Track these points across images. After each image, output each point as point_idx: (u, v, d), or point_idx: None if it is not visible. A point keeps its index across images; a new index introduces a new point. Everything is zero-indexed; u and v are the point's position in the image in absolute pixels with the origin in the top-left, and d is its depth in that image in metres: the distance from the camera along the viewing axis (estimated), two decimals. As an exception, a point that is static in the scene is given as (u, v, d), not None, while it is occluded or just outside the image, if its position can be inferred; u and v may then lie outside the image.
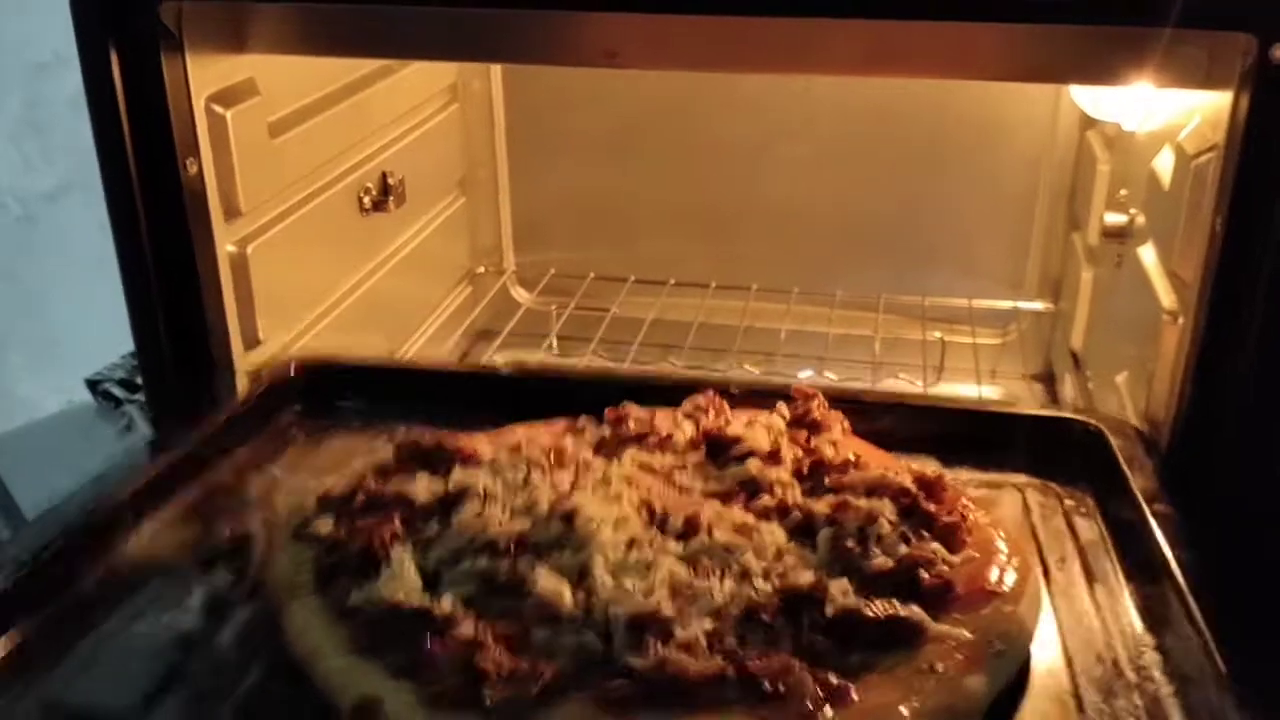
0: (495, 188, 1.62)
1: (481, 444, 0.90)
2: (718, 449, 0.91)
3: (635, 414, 0.95)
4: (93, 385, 1.59)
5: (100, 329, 1.05)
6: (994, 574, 0.75)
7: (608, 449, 0.91)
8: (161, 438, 1.00)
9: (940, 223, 1.49)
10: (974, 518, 0.81)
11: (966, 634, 0.70)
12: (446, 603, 0.70)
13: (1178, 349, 0.90)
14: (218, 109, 1.02)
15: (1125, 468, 0.93)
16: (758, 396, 1.00)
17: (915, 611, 0.70)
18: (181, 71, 0.97)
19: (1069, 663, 0.74)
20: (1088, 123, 1.40)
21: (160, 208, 0.98)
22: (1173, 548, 0.81)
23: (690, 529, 0.78)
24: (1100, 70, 0.93)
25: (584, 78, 1.50)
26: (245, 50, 1.05)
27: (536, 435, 0.94)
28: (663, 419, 0.95)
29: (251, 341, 1.09)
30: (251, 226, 1.09)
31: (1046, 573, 0.84)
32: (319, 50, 1.09)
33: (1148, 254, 1.05)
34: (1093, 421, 1.00)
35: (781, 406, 0.97)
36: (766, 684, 0.64)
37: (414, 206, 1.46)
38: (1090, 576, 0.85)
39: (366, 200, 1.33)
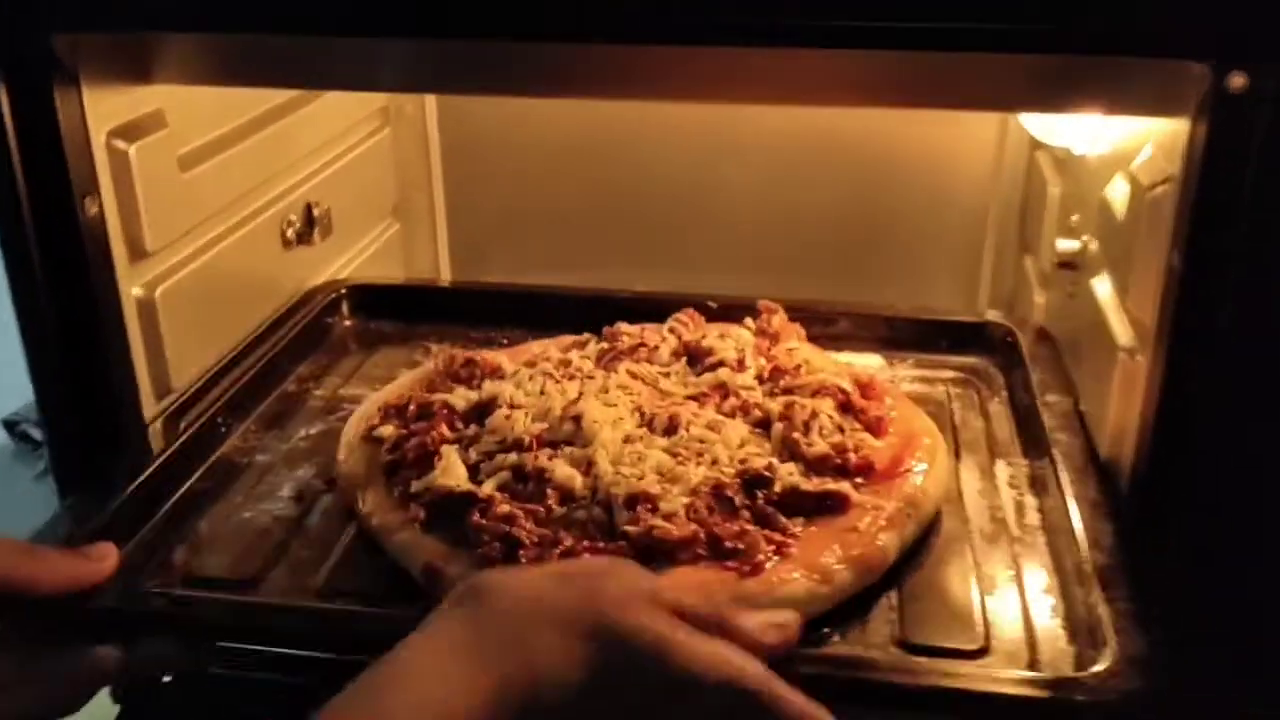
0: (432, 213, 1.56)
1: (503, 359, 1.11)
2: (695, 359, 1.11)
3: (626, 331, 1.16)
4: (9, 426, 1.53)
5: (16, 367, 0.95)
6: (909, 456, 0.97)
7: (605, 362, 1.11)
8: (71, 501, 0.97)
9: (891, 240, 1.46)
10: (897, 412, 1.03)
11: (884, 503, 0.91)
12: (487, 488, 0.91)
13: (1135, 388, 0.87)
14: (120, 144, 0.97)
15: (1028, 362, 1.14)
16: (732, 311, 1.21)
17: (843, 486, 0.91)
18: (78, 106, 0.92)
19: (965, 520, 0.96)
20: (1036, 143, 1.33)
21: (58, 252, 0.93)
22: (1053, 430, 1.02)
23: (672, 427, 0.99)
24: (1046, 99, 0.91)
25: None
26: (151, 81, 0.98)
27: (547, 350, 1.14)
28: (650, 334, 1.15)
29: (163, 390, 1.05)
30: (160, 268, 1.04)
31: (958, 451, 1.05)
32: (233, 81, 1.04)
33: (1102, 286, 1.00)
34: (1006, 324, 1.21)
35: (749, 321, 1.17)
36: (728, 543, 0.85)
37: (343, 236, 1.38)
38: (993, 453, 1.06)
39: (289, 233, 1.27)
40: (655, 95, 1.18)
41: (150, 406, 1.04)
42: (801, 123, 1.41)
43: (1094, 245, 1.07)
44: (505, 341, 1.24)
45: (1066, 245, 1.11)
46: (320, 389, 1.19)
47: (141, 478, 0.97)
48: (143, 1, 0.88)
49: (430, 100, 1.51)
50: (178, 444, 1.03)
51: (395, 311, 1.33)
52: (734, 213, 1.47)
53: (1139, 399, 0.86)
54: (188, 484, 1.01)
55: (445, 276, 1.57)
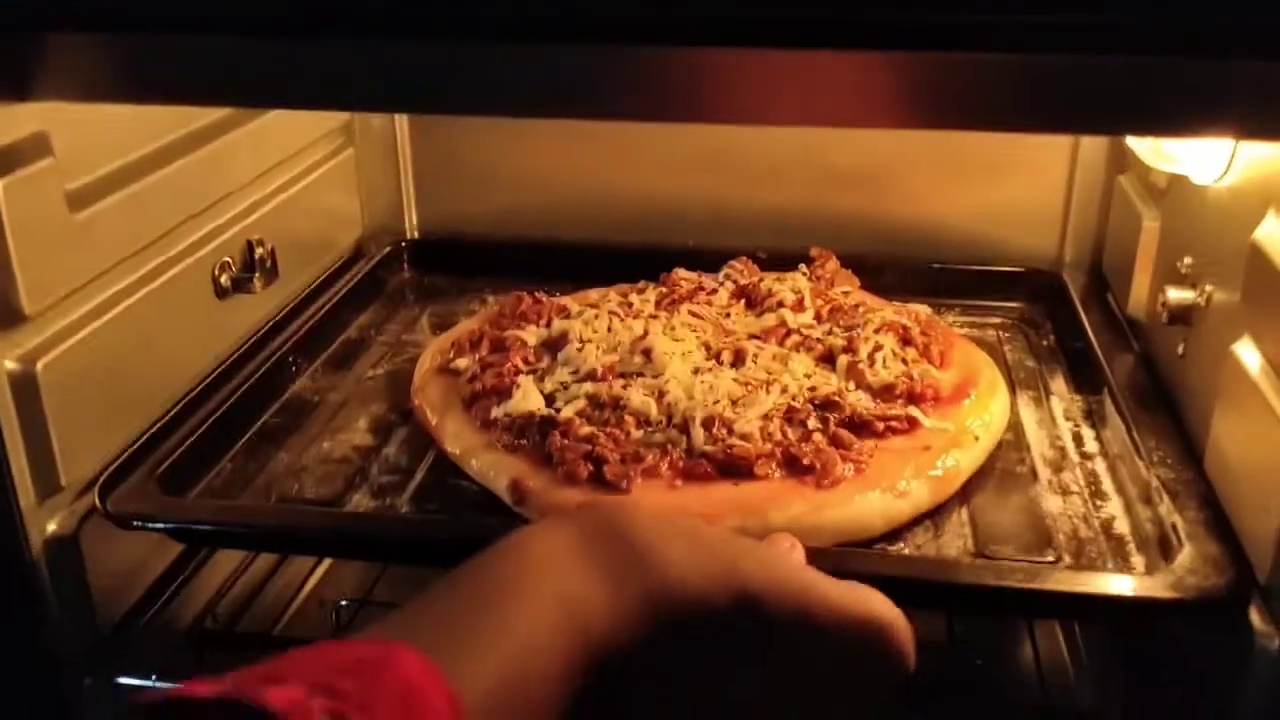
0: (402, 249, 1.36)
1: (568, 301, 1.14)
2: (753, 302, 1.14)
3: (684, 276, 1.19)
4: None
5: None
6: (971, 386, 0.99)
7: (665, 305, 1.14)
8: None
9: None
10: (957, 345, 1.05)
11: (950, 426, 0.94)
12: (567, 412, 0.94)
13: None
14: None
15: (1079, 305, 1.17)
16: (782, 260, 1.23)
17: (912, 410, 0.94)
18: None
19: (1027, 448, 0.98)
20: (1120, 164, 1.21)
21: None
22: (1112, 368, 1.05)
23: (739, 359, 1.02)
24: (1153, 116, 0.67)
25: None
26: (29, 98, 0.75)
27: (607, 294, 1.17)
28: (708, 280, 1.18)
29: (49, 488, 0.84)
30: (42, 335, 0.83)
31: (1014, 388, 1.08)
32: (146, 96, 0.80)
33: (1249, 355, 0.79)
34: (1054, 270, 1.24)
35: (803, 267, 1.20)
36: (805, 459, 0.88)
37: (291, 280, 1.18)
38: (1047, 390, 1.09)
39: (224, 279, 1.05)
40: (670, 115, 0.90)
41: (32, 509, 0.84)
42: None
43: (1221, 297, 0.88)
44: (558, 294, 1.26)
45: (1180, 296, 0.93)
46: (383, 335, 1.22)
47: (219, 411, 0.99)
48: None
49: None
50: (250, 381, 1.05)
51: (450, 265, 1.35)
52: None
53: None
54: (262, 419, 1.03)
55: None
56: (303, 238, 1.21)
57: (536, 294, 1.14)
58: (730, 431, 0.91)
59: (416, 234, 1.41)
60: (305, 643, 0.95)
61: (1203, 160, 0.89)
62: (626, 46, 0.65)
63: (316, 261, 1.27)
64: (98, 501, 0.86)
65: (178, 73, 0.73)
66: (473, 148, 1.37)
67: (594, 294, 1.18)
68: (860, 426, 0.92)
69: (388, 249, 1.35)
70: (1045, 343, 1.18)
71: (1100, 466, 0.96)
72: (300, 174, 1.22)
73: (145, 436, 0.94)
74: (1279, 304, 0.76)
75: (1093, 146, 1.24)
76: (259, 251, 1.11)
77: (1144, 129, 0.86)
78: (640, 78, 0.69)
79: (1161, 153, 0.95)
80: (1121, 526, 0.88)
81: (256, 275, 1.10)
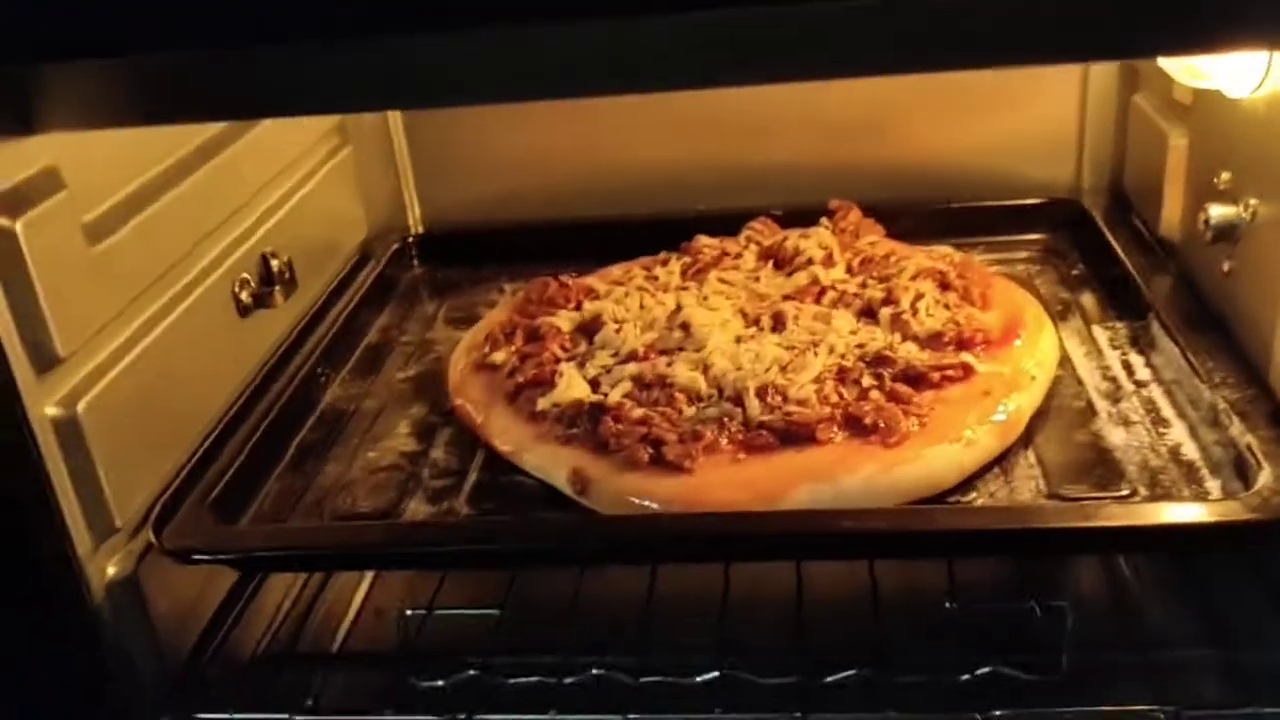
0: (409, 246, 1.34)
1: (594, 281, 1.11)
2: (781, 262, 1.12)
3: (706, 243, 1.17)
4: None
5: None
6: (1019, 325, 0.98)
7: (692, 274, 1.12)
8: None
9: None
10: (996, 285, 1.04)
11: (1005, 369, 0.93)
12: (615, 396, 0.92)
13: None
14: (2, 220, 0.75)
15: (1108, 233, 1.15)
16: (800, 216, 1.21)
17: (965, 357, 0.93)
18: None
19: (1080, 381, 0.97)
20: (1133, 84, 1.19)
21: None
22: (1149, 290, 1.04)
23: (779, 323, 1.01)
24: (1186, 34, 0.65)
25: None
26: (36, 130, 0.74)
27: (630, 270, 1.15)
28: (730, 244, 1.16)
29: (104, 529, 0.82)
30: (78, 376, 0.81)
31: (1056, 322, 1.06)
32: (153, 117, 0.79)
33: None
34: (1074, 199, 1.23)
35: (825, 221, 1.18)
36: (867, 419, 0.86)
37: (305, 289, 1.15)
38: (1088, 320, 1.07)
39: (245, 295, 1.03)
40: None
41: (90, 554, 0.81)
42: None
43: (1267, 211, 0.88)
44: (576, 274, 1.24)
45: (1223, 213, 0.91)
46: (405, 335, 1.20)
47: (258, 433, 0.97)
48: (14, 24, 0.64)
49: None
50: (283, 398, 1.03)
51: (460, 256, 1.32)
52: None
53: None
54: (301, 434, 1.01)
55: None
56: (312, 244, 1.18)
57: (560, 277, 1.11)
58: (785, 399, 0.89)
59: (421, 228, 1.39)
60: (374, 657, 0.95)
61: (1238, 73, 0.88)
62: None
63: (327, 267, 1.24)
64: (154, 539, 0.84)
65: (177, 90, 0.72)
66: (468, 135, 1.35)
67: (617, 270, 1.16)
68: (915, 379, 0.91)
69: (395, 246, 1.33)
70: (1075, 272, 1.16)
71: (1157, 393, 0.95)
72: (302, 179, 1.19)
73: (189, 466, 0.92)
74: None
75: (1103, 68, 1.22)
76: (275, 263, 1.08)
77: (1178, 49, 0.83)
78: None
79: (1195, 69, 0.93)
80: (1190, 452, 0.87)
81: (277, 288, 1.07)
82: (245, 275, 1.05)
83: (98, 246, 0.85)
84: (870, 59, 0.68)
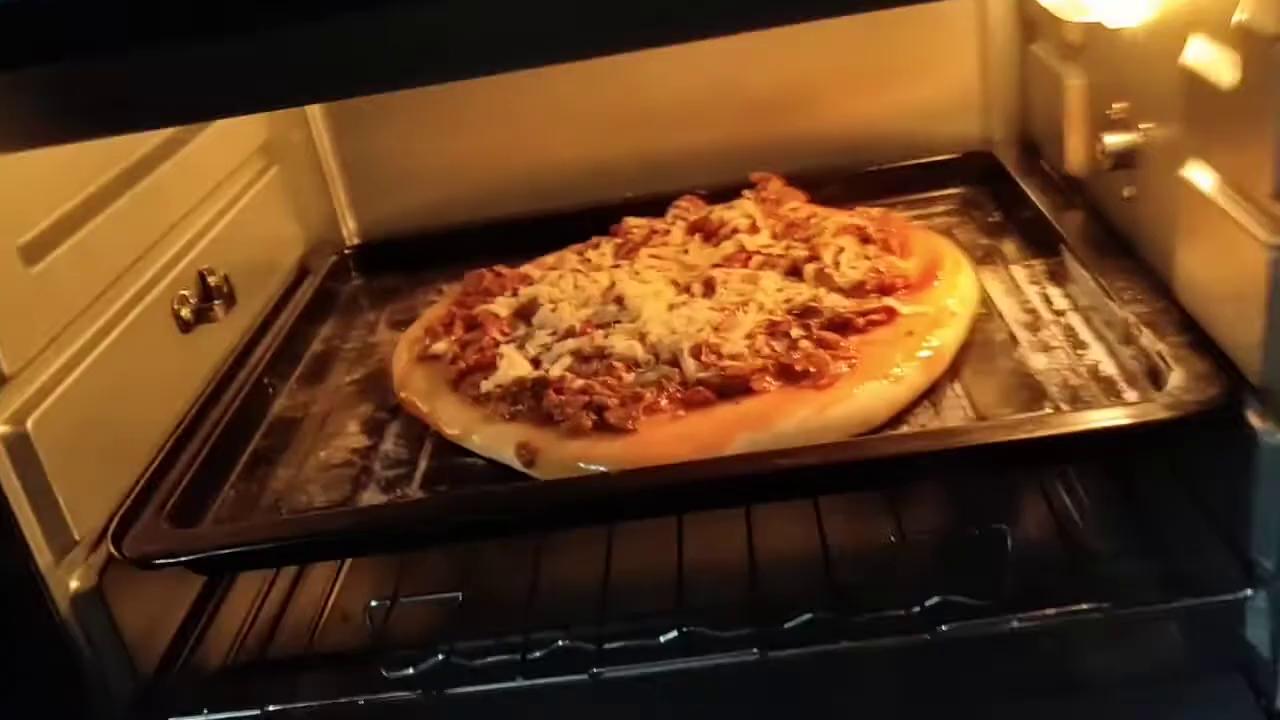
0: (346, 258, 1.37)
1: (529, 269, 1.14)
2: (708, 234, 1.15)
3: (635, 223, 1.20)
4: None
5: None
6: (938, 268, 1.02)
7: (623, 254, 1.15)
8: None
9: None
10: (914, 234, 1.08)
11: (927, 308, 0.96)
12: (556, 370, 0.95)
13: None
14: None
15: (1019, 179, 1.20)
16: (724, 194, 1.24)
17: (887, 301, 0.96)
18: None
19: (1001, 316, 1.01)
20: (1029, 34, 1.24)
21: None
22: (1061, 226, 1.08)
23: (709, 289, 1.04)
24: None
25: (420, 96, 1.27)
26: None
27: (565, 256, 1.18)
28: (658, 223, 1.19)
29: (65, 544, 0.84)
30: (25, 394, 0.83)
31: (976, 266, 1.10)
32: (92, 129, 0.77)
33: (1200, 176, 0.81)
34: (987, 150, 1.27)
35: (747, 193, 1.21)
36: (798, 366, 0.89)
37: (246, 306, 1.17)
38: (1007, 262, 1.11)
39: (185, 312, 1.05)
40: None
41: (50, 568, 0.83)
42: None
43: (1159, 132, 0.92)
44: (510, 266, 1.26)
45: (1118, 140, 0.96)
46: (348, 343, 1.22)
47: (210, 443, 0.99)
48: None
49: (318, 122, 1.36)
50: (232, 409, 1.04)
51: (397, 264, 1.35)
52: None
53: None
54: (252, 443, 1.03)
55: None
56: (249, 262, 1.21)
57: (495, 268, 1.14)
58: (719, 356, 0.92)
59: (357, 240, 1.41)
60: (342, 655, 0.96)
61: (1117, 3, 0.92)
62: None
63: (266, 283, 1.26)
64: (113, 548, 0.85)
65: (92, 101, 0.71)
66: (395, 145, 1.37)
67: (551, 259, 1.19)
68: (842, 326, 0.94)
69: (332, 259, 1.35)
70: (992, 219, 1.21)
71: (1074, 319, 0.99)
72: (232, 200, 1.22)
73: (145, 478, 0.94)
74: (1221, 120, 0.78)
75: (1000, 23, 1.27)
76: (213, 280, 1.11)
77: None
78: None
79: (1076, 4, 0.97)
80: (1108, 368, 0.91)
81: (217, 303, 1.10)
82: (184, 292, 1.07)
83: (35, 267, 0.87)
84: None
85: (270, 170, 1.32)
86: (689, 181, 1.29)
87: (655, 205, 1.25)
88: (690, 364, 0.92)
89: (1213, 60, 0.78)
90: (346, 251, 1.36)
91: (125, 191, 1.01)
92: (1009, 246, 1.14)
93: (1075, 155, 1.11)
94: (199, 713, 0.87)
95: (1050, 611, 0.80)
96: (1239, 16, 0.73)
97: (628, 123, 1.35)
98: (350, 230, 1.40)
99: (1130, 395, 0.87)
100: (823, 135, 1.34)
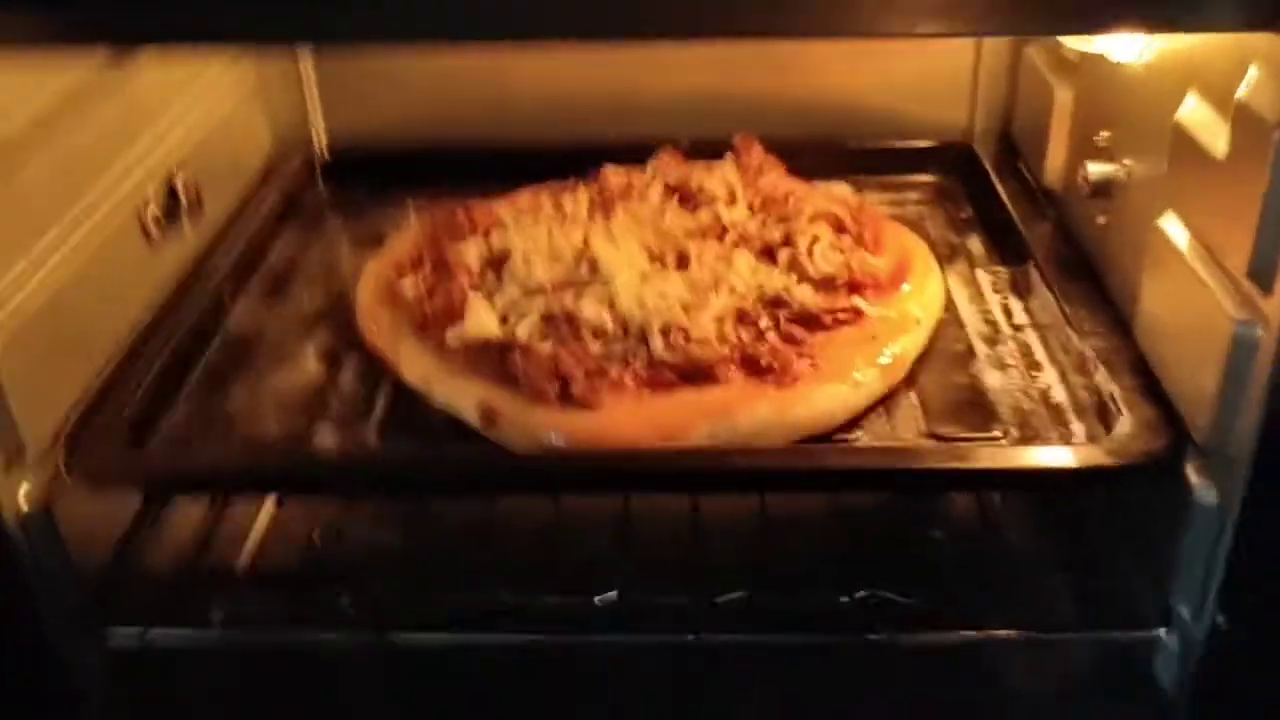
0: (314, 165, 1.36)
1: (501, 209, 1.13)
2: (686, 198, 1.15)
3: (613, 173, 1.19)
4: None
5: None
6: (908, 269, 1.03)
7: (601, 208, 1.14)
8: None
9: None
10: (887, 229, 1.09)
11: (892, 313, 0.98)
12: (522, 332, 0.95)
13: (1249, 368, 0.73)
14: None
15: (995, 179, 1.21)
16: (704, 149, 1.24)
17: (856, 301, 0.98)
18: None
19: (962, 324, 1.03)
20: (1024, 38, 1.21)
21: None
22: (1030, 237, 1.10)
23: (683, 262, 1.04)
24: (1074, 16, 0.70)
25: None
26: None
27: (538, 196, 1.17)
28: (637, 178, 1.19)
29: (15, 453, 0.83)
30: None
31: (942, 264, 1.12)
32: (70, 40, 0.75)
33: (1175, 229, 0.82)
34: (967, 142, 1.28)
35: (729, 156, 1.21)
36: (763, 360, 0.91)
37: (215, 212, 1.16)
38: (973, 264, 1.13)
39: (150, 219, 1.03)
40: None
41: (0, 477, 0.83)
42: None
43: (1142, 172, 0.92)
44: (483, 197, 1.25)
45: (1101, 170, 0.96)
46: (310, 258, 1.20)
47: (165, 357, 0.98)
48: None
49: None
50: (190, 322, 1.03)
51: (366, 177, 1.32)
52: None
53: (1257, 385, 0.73)
54: (206, 358, 1.02)
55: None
56: (214, 164, 1.17)
57: (467, 204, 1.13)
58: (687, 338, 0.93)
59: (326, 148, 1.38)
60: (281, 576, 0.98)
61: (1120, 39, 0.92)
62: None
63: (231, 187, 1.23)
64: (63, 465, 0.85)
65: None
66: (375, 53, 1.31)
67: (525, 198, 1.18)
68: (809, 321, 0.96)
69: (298, 165, 1.32)
70: (963, 215, 1.22)
71: (1032, 338, 1.02)
72: (201, 92, 1.18)
73: (98, 390, 0.93)
74: (1205, 185, 0.79)
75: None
76: (179, 185, 1.08)
77: (1053, 29, 0.88)
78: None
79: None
80: (1058, 395, 0.94)
81: (184, 207, 1.08)
82: (148, 199, 1.04)
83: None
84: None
85: (243, 63, 1.28)
86: (668, 127, 1.28)
87: (634, 151, 1.24)
88: (658, 343, 0.93)
89: (1207, 125, 0.79)
90: (315, 159, 1.33)
91: (93, 94, 0.97)
92: (977, 247, 1.16)
93: (1054, 169, 1.13)
94: (139, 624, 0.89)
95: (972, 633, 0.84)
96: (1241, 93, 0.74)
97: (614, 59, 1.33)
98: (320, 135, 1.37)
99: (1077, 427, 0.90)
100: (804, 100, 1.34)
